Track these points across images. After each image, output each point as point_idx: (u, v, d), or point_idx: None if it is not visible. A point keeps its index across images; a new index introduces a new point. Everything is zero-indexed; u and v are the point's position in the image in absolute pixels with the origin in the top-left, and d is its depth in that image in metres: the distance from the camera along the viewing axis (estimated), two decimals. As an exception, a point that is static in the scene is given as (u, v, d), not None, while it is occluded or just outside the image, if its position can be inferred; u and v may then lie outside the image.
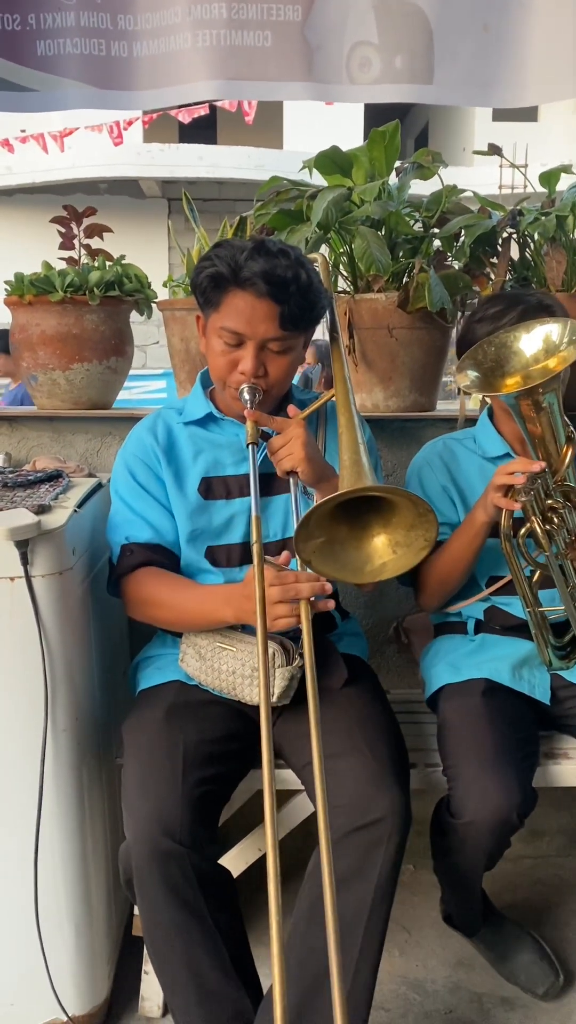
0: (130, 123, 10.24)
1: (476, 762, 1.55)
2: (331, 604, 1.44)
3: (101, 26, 2.19)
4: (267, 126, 11.93)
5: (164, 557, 1.64)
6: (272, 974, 1.05)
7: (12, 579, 1.45)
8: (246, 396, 1.53)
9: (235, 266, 1.47)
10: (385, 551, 1.37)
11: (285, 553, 1.46)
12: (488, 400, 1.81)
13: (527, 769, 1.59)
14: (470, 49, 2.27)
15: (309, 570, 1.38)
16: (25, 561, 1.44)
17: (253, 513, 1.42)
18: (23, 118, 9.68)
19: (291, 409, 1.55)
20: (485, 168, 10.50)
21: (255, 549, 1.37)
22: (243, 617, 1.50)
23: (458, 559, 1.68)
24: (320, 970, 1.38)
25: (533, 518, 1.56)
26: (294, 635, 1.61)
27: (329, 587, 1.40)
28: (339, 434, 1.45)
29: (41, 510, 1.52)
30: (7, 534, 1.41)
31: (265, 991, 1.48)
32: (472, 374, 1.54)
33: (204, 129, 13.13)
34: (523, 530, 1.59)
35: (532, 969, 1.80)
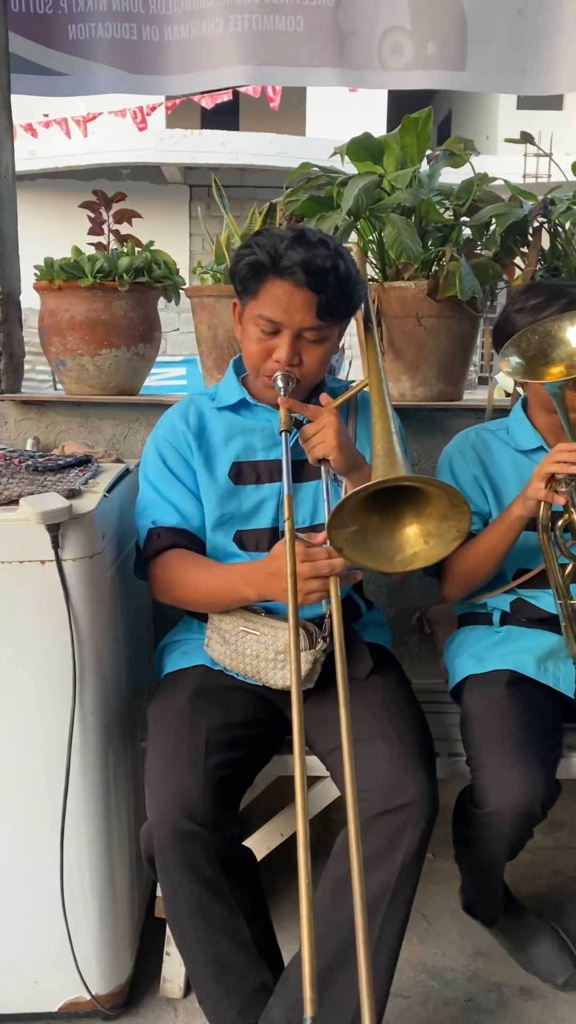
0: (153, 108, 10.23)
1: (500, 753, 1.55)
2: (359, 575, 1.44)
3: (133, 10, 2.20)
4: (290, 113, 11.88)
5: (190, 542, 1.65)
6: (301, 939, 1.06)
7: (43, 562, 1.46)
8: (279, 384, 1.53)
9: (275, 255, 1.47)
10: (417, 541, 1.37)
11: (322, 534, 1.47)
12: (521, 391, 1.81)
13: (551, 761, 1.59)
14: (504, 35, 2.25)
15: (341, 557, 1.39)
16: (56, 545, 1.45)
17: (286, 492, 1.42)
18: (46, 103, 9.69)
19: (323, 397, 1.55)
20: (510, 157, 10.42)
21: (287, 527, 1.38)
22: (264, 594, 1.51)
23: (488, 553, 1.68)
24: (340, 949, 1.40)
25: (572, 509, 1.55)
26: (318, 620, 1.62)
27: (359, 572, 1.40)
28: (372, 423, 1.45)
29: (72, 494, 1.53)
30: (39, 518, 1.42)
31: (287, 965, 1.49)
32: (515, 361, 1.54)
33: (227, 115, 13.09)
34: (560, 521, 1.58)
35: (551, 959, 1.81)
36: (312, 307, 1.49)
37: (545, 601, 1.75)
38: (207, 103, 10.18)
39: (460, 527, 1.32)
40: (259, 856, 1.67)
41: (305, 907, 1.07)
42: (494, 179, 2.15)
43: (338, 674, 1.26)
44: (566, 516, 1.57)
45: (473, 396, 2.34)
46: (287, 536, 1.38)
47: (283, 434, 1.49)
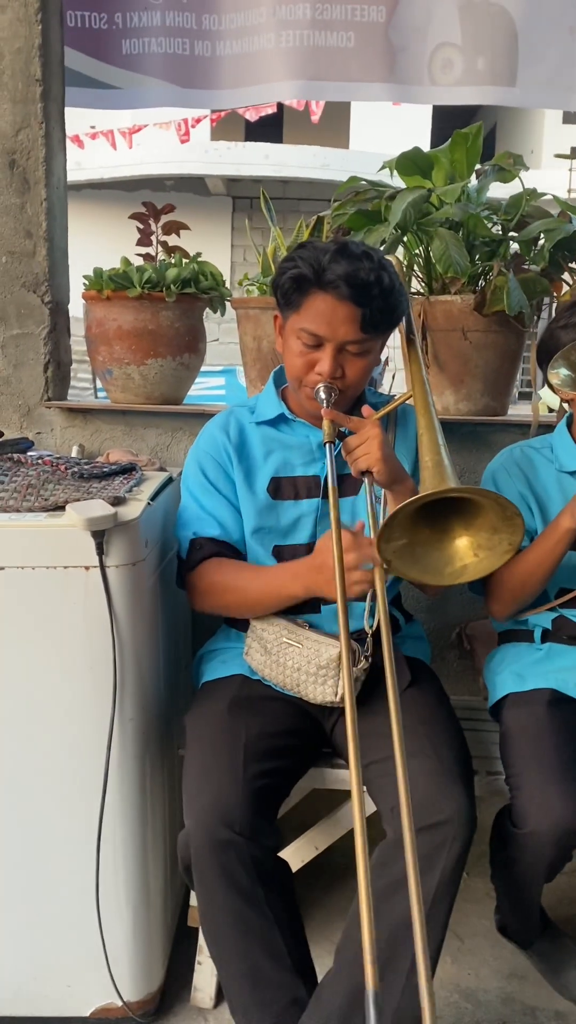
0: (198, 121, 10.34)
1: (540, 772, 1.53)
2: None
3: (186, 25, 2.23)
4: (333, 125, 11.93)
5: (231, 552, 1.66)
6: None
7: (87, 568, 1.48)
8: (322, 395, 1.53)
9: (318, 268, 1.48)
10: (467, 553, 1.36)
11: (360, 521, 1.47)
12: (568, 407, 1.79)
13: (592, 782, 1.57)
14: (555, 51, 2.25)
15: (388, 572, 1.39)
16: (100, 551, 1.46)
17: (331, 498, 1.43)
18: (94, 114, 9.85)
19: (366, 410, 1.55)
20: (554, 171, 10.34)
21: (333, 522, 1.38)
22: (313, 589, 1.51)
23: (536, 568, 1.66)
24: (379, 962, 1.38)
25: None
26: (358, 634, 1.62)
27: None
28: (419, 435, 1.45)
29: (117, 502, 1.54)
30: (85, 524, 1.43)
31: (320, 980, 1.49)
32: (564, 373, 1.53)
33: (270, 128, 13.18)
34: None
35: (587, 985, 1.78)
36: (356, 320, 1.49)
37: (588, 620, 1.73)
38: (251, 116, 10.27)
39: (512, 539, 1.31)
40: (293, 868, 1.66)
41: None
42: (543, 194, 2.15)
43: (388, 686, 1.25)
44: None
45: (517, 411, 2.31)
46: (333, 528, 1.38)
47: (327, 445, 1.49)
